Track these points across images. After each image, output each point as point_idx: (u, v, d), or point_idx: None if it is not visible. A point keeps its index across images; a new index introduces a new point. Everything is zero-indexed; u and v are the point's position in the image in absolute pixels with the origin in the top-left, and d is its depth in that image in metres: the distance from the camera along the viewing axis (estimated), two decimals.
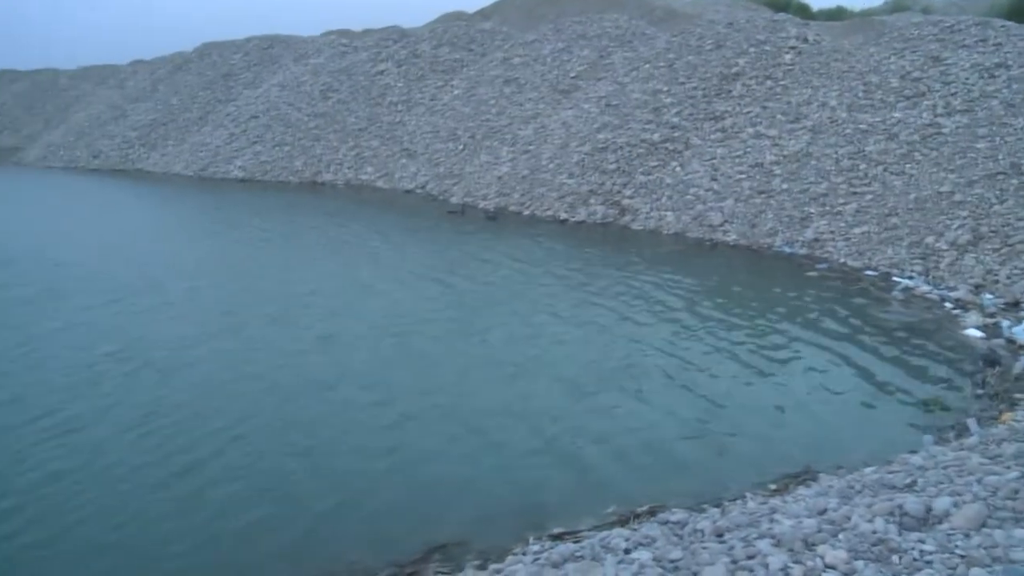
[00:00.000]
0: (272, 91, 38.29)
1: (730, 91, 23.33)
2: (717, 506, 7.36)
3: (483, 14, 43.85)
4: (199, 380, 11.12)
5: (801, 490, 7.44)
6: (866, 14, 38.22)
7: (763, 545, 5.33)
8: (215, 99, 41.47)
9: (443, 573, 6.80)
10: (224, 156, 36.12)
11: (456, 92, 31.71)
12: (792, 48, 24.04)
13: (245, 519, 7.68)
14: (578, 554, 6.36)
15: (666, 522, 6.89)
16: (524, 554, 6.79)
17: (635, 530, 6.78)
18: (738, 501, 7.44)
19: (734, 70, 23.91)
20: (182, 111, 41.92)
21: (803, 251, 17.51)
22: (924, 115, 18.87)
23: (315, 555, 7.13)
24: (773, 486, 7.87)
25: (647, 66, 26.15)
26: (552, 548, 6.70)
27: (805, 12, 40.22)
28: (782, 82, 22.81)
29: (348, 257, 19.21)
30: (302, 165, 33.21)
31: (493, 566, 6.67)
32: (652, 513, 7.37)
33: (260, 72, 41.89)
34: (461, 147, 28.31)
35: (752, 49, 24.38)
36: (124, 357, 12.04)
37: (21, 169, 43.76)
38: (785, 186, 19.24)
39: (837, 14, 40.35)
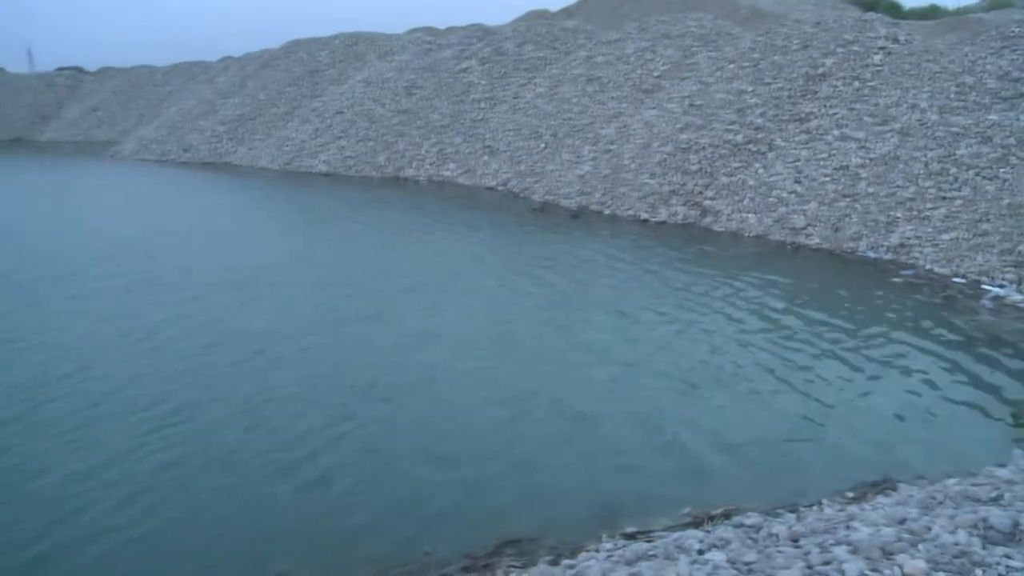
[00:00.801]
0: (357, 87, 38.90)
1: (816, 92, 22.96)
2: (793, 511, 7.32)
3: (566, 12, 43.91)
4: (299, 375, 11.39)
5: (880, 499, 7.35)
6: (961, 12, 37.19)
7: (839, 552, 5.30)
8: (301, 95, 42.30)
9: (516, 567, 6.88)
10: (309, 151, 36.85)
11: (539, 90, 31.79)
12: (881, 48, 23.54)
13: (324, 510, 7.95)
14: (651, 553, 6.41)
15: (740, 525, 6.90)
16: (597, 551, 6.85)
17: (709, 532, 6.81)
18: (814, 507, 7.40)
19: (820, 71, 23.52)
20: (269, 106, 42.87)
21: (888, 256, 17.17)
22: (1022, 117, 18.32)
23: (391, 545, 7.32)
24: (851, 494, 7.79)
25: (731, 66, 25.89)
26: (625, 546, 6.77)
27: (896, 11, 39.32)
28: (870, 83, 22.36)
29: (439, 253, 19.45)
30: (385, 160, 33.69)
31: (566, 561, 6.74)
32: (727, 516, 7.38)
33: (346, 69, 42.58)
34: (543, 145, 28.40)
35: (840, 49, 23.93)
36: (223, 351, 12.40)
37: (117, 162, 45.35)
38: (871, 189, 18.88)
39: (930, 12, 39.34)
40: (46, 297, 15.79)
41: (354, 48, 44.23)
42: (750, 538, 6.48)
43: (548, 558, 6.93)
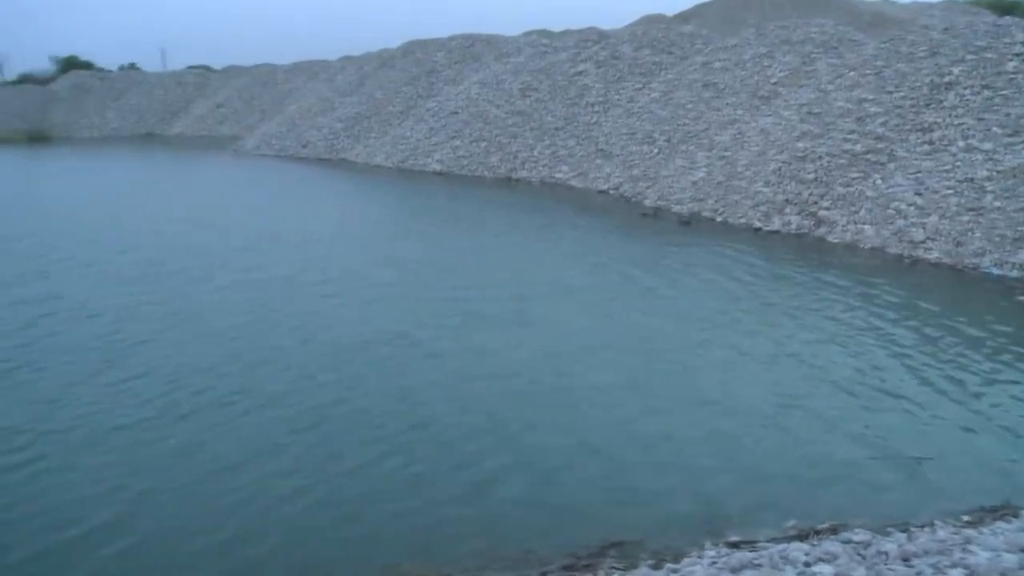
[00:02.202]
0: (472, 88, 39.45)
1: (941, 101, 22.26)
2: (904, 531, 7.19)
3: (683, 17, 43.67)
4: (436, 376, 11.61)
5: (1000, 524, 7.15)
6: None
7: (955, 574, 5.25)
8: (417, 95, 43.12)
9: (618, 569, 6.94)
10: (423, 150, 37.57)
11: (654, 95, 31.69)
12: (1017, 55, 22.63)
13: (432, 505, 8.21)
14: (756, 562, 6.45)
15: (848, 541, 6.84)
16: (700, 557, 6.90)
17: (815, 546, 6.78)
18: (927, 528, 7.24)
19: (947, 79, 22.79)
20: (385, 105, 43.85)
21: (1014, 273, 16.56)
22: None
23: (495, 542, 7.51)
24: (967, 517, 7.56)
25: (852, 73, 25.33)
26: (729, 555, 6.81)
27: None
28: (1002, 92, 21.54)
29: (563, 256, 19.56)
30: (498, 161, 34.10)
31: (669, 566, 6.81)
32: (833, 531, 7.29)
33: (462, 69, 43.22)
34: (656, 150, 28.31)
35: (970, 56, 23.14)
36: (359, 350, 12.74)
37: (239, 156, 47.23)
38: (998, 204, 18.23)
39: None
40: (191, 290, 16.61)
41: (470, 49, 44.86)
42: (859, 554, 6.45)
43: (651, 562, 6.99)
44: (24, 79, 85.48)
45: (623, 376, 11.63)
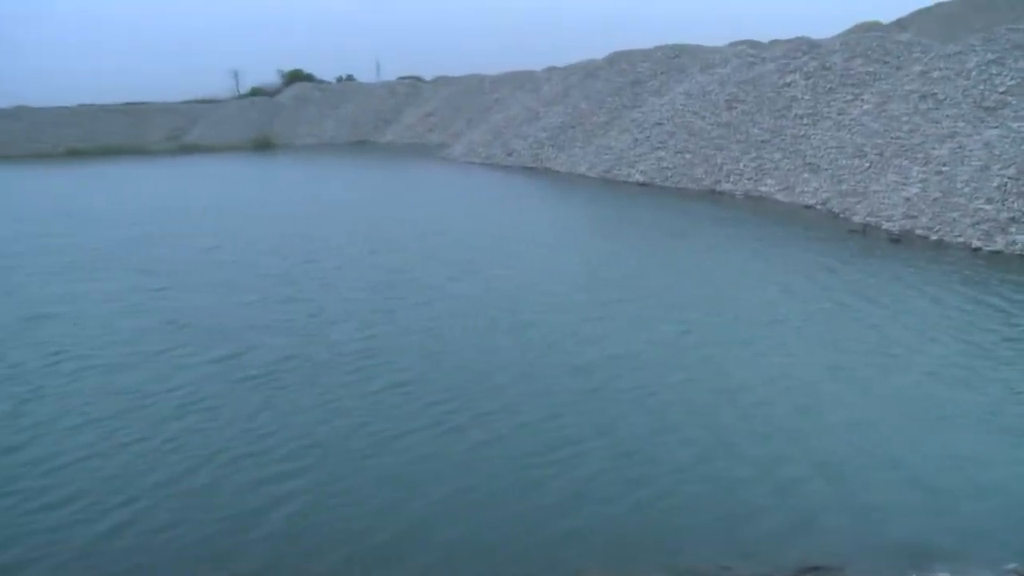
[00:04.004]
0: (677, 99, 39.46)
1: None
2: None
3: (900, 25, 41.78)
4: (669, 399, 11.63)
5: None
6: None
7: None
8: (622, 105, 43.56)
9: None
10: (627, 160, 37.95)
11: (866, 107, 30.69)
12: None
13: (633, 514, 8.46)
14: None
15: None
16: None
17: None
18: None
19: None
20: (590, 115, 44.56)
21: None
22: None
23: (692, 554, 7.66)
24: None
25: None
26: None
27: None
28: None
29: (777, 278, 18.98)
30: (702, 173, 34.00)
31: None
32: None
33: (666, 80, 43.30)
34: (867, 164, 27.45)
35: None
36: (591, 367, 12.93)
37: (448, 163, 49.58)
38: None
39: None
40: (432, 297, 17.52)
41: (675, 60, 44.87)
42: None
43: None
44: (255, 92, 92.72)
45: (873, 401, 11.30)
